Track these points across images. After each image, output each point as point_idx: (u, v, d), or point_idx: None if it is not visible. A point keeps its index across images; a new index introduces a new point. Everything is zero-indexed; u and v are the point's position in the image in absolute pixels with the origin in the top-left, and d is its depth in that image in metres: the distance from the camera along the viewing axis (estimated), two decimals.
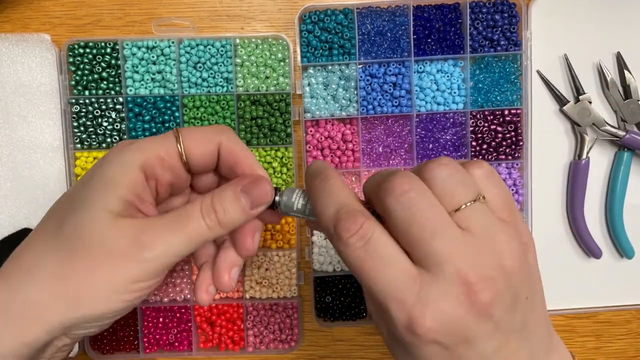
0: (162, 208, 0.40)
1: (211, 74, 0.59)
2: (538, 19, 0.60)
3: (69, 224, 0.34)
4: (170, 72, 0.59)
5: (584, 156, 0.61)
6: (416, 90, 0.59)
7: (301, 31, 0.58)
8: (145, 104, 0.59)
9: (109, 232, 0.33)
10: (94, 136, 0.59)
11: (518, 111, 0.60)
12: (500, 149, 0.60)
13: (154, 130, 0.59)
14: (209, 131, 0.37)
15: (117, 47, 0.58)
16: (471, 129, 0.60)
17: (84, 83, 0.59)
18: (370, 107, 0.59)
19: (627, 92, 0.60)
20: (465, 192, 0.30)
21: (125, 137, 0.59)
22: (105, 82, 0.59)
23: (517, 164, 0.61)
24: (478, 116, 0.60)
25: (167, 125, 0.59)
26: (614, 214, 0.62)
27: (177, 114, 0.59)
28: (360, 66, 0.59)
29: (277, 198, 0.38)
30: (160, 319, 0.62)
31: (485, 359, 0.29)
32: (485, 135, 0.60)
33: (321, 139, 0.60)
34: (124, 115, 0.59)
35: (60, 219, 0.35)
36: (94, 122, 0.59)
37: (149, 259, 0.33)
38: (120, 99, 0.59)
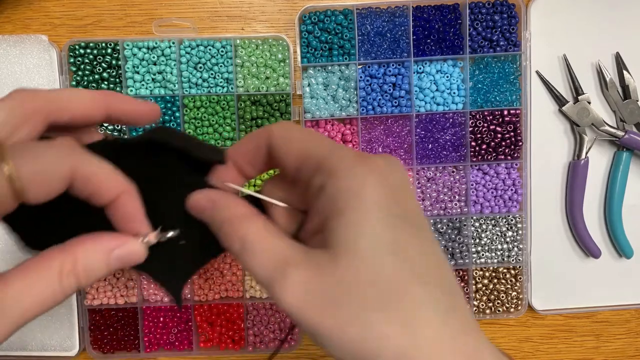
0: None
1: (211, 74, 0.59)
2: (537, 19, 0.60)
3: None
4: (171, 73, 0.59)
5: (583, 156, 0.61)
6: (416, 91, 0.59)
7: (301, 32, 0.59)
8: None
9: None
10: None
11: (517, 111, 0.60)
12: (500, 149, 0.60)
13: None
14: (55, 155, 0.25)
15: (118, 47, 0.59)
16: (470, 129, 0.60)
17: (85, 83, 0.59)
18: (370, 107, 0.59)
19: (626, 92, 0.61)
20: None
21: (125, 137, 0.60)
22: (106, 83, 0.59)
23: (516, 164, 0.61)
24: (477, 116, 0.60)
25: (167, 125, 0.59)
26: (613, 213, 0.62)
27: (177, 114, 0.59)
28: (360, 67, 0.60)
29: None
30: (161, 319, 0.62)
31: None
32: (484, 136, 0.60)
33: None
34: None
35: None
36: None
37: None
38: None
